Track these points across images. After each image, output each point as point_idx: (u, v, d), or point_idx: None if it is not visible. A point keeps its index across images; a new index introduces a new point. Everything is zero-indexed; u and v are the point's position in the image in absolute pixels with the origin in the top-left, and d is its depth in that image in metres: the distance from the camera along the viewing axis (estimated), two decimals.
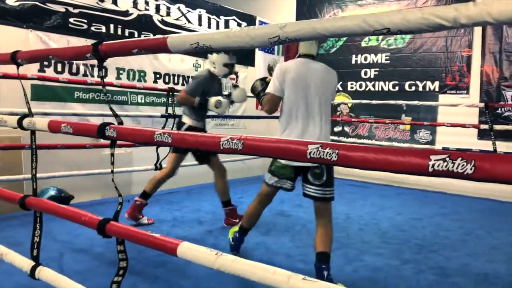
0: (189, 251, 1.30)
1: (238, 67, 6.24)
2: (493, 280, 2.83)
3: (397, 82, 6.26)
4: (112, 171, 1.59)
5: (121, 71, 4.69)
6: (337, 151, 1.03)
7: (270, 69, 6.86)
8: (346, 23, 1.02)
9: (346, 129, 6.80)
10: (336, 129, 6.89)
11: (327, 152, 1.04)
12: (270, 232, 3.71)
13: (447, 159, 0.88)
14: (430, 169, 0.90)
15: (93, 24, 4.45)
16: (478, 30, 5.60)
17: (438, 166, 0.89)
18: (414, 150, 0.95)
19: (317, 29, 1.08)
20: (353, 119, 6.55)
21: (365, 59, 6.54)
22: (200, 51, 1.34)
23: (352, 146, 1.02)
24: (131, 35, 4.77)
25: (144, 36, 4.92)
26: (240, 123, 6.35)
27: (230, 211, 3.91)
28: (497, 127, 5.16)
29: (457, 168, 0.87)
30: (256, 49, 6.54)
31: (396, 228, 4.00)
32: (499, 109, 5.44)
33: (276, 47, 6.95)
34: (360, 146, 1.01)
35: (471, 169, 0.85)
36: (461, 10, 0.86)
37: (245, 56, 6.39)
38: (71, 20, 4.29)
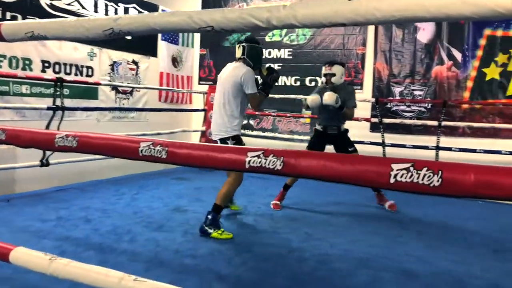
0: (23, 256, 1.21)
1: (139, 57, 6.04)
2: (370, 263, 3.04)
3: (298, 77, 6.48)
4: None
5: (1, 58, 4.29)
6: (166, 149, 1.01)
7: (174, 60, 6.73)
8: (174, 19, 1.01)
9: (251, 122, 6.90)
10: None
11: (157, 150, 1.03)
12: (163, 227, 3.65)
13: (261, 155, 0.91)
14: (247, 166, 0.92)
15: None
16: (371, 30, 5.97)
17: (253, 163, 0.91)
18: (234, 148, 0.96)
19: (149, 23, 1.05)
20: (257, 113, 6.66)
21: (269, 53, 6.66)
22: (36, 40, 1.25)
23: (181, 144, 1.02)
24: (14, 18, 4.37)
25: None
26: (141, 116, 6.15)
27: None
28: (386, 120, 5.57)
29: (269, 164, 0.90)
30: (159, 39, 6.37)
31: (289, 217, 4.14)
32: (389, 104, 5.86)
33: (181, 37, 6.82)
34: (187, 143, 1.00)
35: (280, 165, 0.89)
36: (273, 11, 0.88)
37: (147, 45, 6.19)
38: None
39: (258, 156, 0.91)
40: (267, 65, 3.66)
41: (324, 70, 4.28)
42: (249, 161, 0.91)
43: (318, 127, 4.46)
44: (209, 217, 3.40)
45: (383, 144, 5.45)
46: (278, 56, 6.60)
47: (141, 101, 6.16)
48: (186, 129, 6.61)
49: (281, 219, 4.07)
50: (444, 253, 3.28)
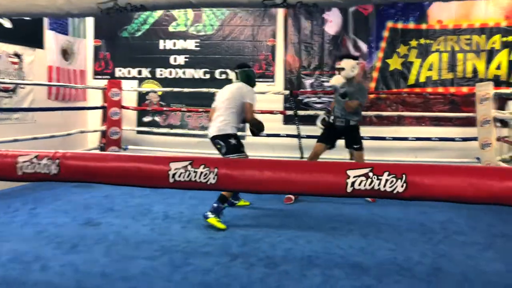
0: None
1: (22, 49, 5.19)
2: (317, 261, 2.92)
3: (208, 70, 6.17)
4: None
5: None
6: (215, 170, 0.70)
7: (65, 52, 5.92)
8: None
9: (157, 119, 6.41)
10: (145, 119, 6.43)
11: (201, 173, 0.70)
12: (78, 247, 3.11)
13: (371, 173, 0.65)
14: (349, 189, 0.66)
15: None
16: (280, 21, 5.90)
17: (360, 185, 0.66)
18: (329, 164, 0.69)
19: None
20: (164, 108, 6.20)
21: (174, 44, 6.23)
22: None
23: (238, 161, 0.69)
24: None
25: None
26: (28, 117, 5.27)
27: None
28: (300, 112, 5.57)
29: (384, 185, 0.65)
30: (46, 28, 5.53)
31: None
32: (300, 96, 5.88)
33: (71, 26, 6.02)
34: (247, 160, 0.70)
35: (402, 186, 0.65)
36: None
37: (31, 35, 5.33)
38: None
39: (366, 176, 0.65)
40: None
41: (336, 65, 4.47)
42: (353, 182, 0.65)
43: (330, 119, 4.51)
44: (215, 205, 3.64)
45: (298, 136, 5.44)
46: (184, 48, 6.20)
47: (27, 100, 5.28)
48: (84, 130, 5.88)
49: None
50: (382, 242, 3.32)
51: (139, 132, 6.34)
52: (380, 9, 5.62)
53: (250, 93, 3.88)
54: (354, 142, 4.43)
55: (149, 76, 6.32)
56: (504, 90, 5.07)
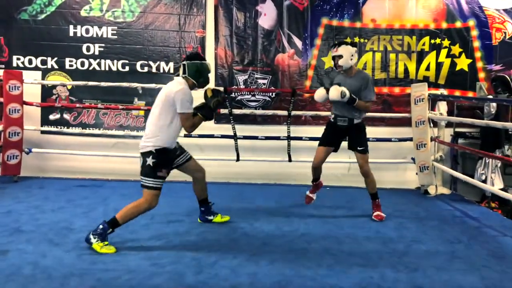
0: None
1: None
2: (288, 287, 2.58)
3: (127, 62, 5.44)
4: None
5: None
6: None
7: None
8: None
9: (66, 116, 5.51)
10: (52, 116, 5.49)
11: None
12: None
13: None
14: None
15: None
16: (211, 11, 5.41)
17: None
18: None
19: None
20: (76, 105, 5.34)
21: (87, 31, 5.38)
22: None
23: None
24: None
25: None
26: None
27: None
28: (236, 111, 5.18)
29: None
30: None
31: (168, 245, 3.29)
32: (233, 93, 5.46)
33: None
34: None
35: None
36: None
37: None
38: None
39: None
40: (212, 87, 3.41)
41: (332, 52, 3.89)
42: None
43: (331, 117, 4.06)
44: (101, 226, 3.05)
45: (235, 137, 5.04)
46: (99, 35, 5.39)
47: None
48: None
49: (155, 246, 3.21)
50: (349, 258, 3.08)
51: (44, 132, 5.40)
52: (316, 4, 5.41)
53: (180, 95, 3.10)
54: (358, 143, 3.90)
55: (56, 67, 5.40)
56: (435, 91, 5.19)
